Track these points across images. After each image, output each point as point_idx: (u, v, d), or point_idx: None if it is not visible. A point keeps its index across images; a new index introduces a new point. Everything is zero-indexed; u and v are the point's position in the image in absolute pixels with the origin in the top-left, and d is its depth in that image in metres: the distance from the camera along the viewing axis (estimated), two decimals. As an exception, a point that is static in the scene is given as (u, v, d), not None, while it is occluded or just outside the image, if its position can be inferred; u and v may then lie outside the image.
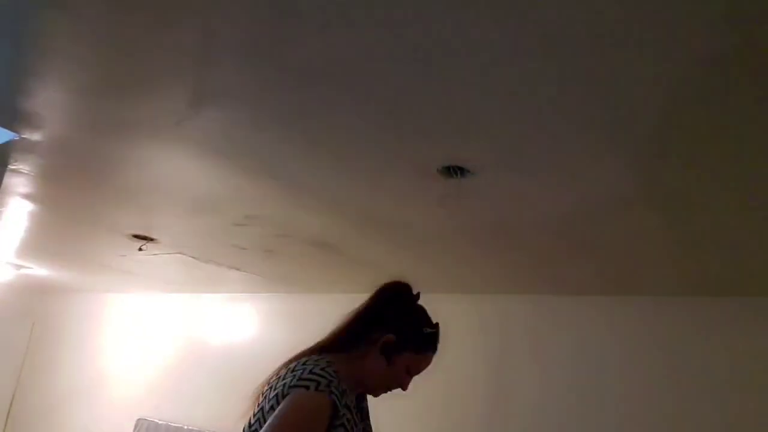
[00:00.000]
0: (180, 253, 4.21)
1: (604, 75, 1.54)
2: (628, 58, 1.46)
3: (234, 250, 3.88)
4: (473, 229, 2.85)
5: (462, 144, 2.04)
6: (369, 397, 1.78)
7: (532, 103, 1.72)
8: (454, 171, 2.20)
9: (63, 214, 3.75)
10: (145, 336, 6.25)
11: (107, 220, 3.69)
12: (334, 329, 1.72)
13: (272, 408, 1.50)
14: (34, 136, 2.47)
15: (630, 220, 2.46)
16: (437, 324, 1.74)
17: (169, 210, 3.31)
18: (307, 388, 1.49)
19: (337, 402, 1.50)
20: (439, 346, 1.74)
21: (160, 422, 5.48)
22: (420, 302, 1.80)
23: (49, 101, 2.16)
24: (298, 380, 1.51)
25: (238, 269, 4.46)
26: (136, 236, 3.92)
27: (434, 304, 1.85)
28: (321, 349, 1.67)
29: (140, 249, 4.15)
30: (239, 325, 5.49)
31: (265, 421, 1.49)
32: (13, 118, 2.33)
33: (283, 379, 1.56)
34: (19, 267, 5.84)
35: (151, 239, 3.96)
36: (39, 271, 6.01)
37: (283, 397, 1.50)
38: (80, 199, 3.36)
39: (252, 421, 1.56)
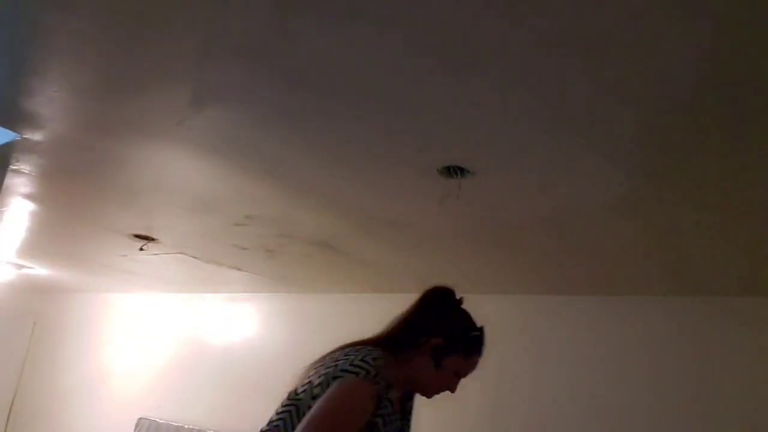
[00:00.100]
0: (181, 253, 4.22)
1: (603, 75, 1.54)
2: (628, 60, 1.46)
3: (234, 250, 3.89)
4: (473, 229, 2.85)
5: (462, 144, 2.04)
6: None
7: (532, 103, 1.72)
8: (454, 171, 2.21)
9: (64, 214, 3.75)
10: (146, 336, 6.26)
11: (108, 220, 3.69)
12: (384, 331, 1.76)
13: (320, 385, 1.56)
14: (36, 136, 2.48)
15: (630, 220, 2.47)
16: (482, 327, 1.77)
17: (169, 210, 3.32)
18: (357, 375, 1.54)
19: (382, 393, 1.56)
20: (485, 349, 1.77)
21: (161, 421, 5.49)
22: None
23: (50, 101, 2.16)
24: (350, 365, 1.56)
25: (238, 269, 4.46)
26: (137, 236, 3.92)
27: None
28: (376, 343, 1.71)
29: (141, 249, 4.15)
30: (240, 325, 5.49)
31: (311, 394, 1.55)
32: (15, 119, 2.34)
33: (337, 361, 1.60)
34: (20, 267, 5.85)
35: (152, 239, 3.96)
36: (40, 270, 6.02)
37: (334, 379, 1.55)
38: (81, 199, 3.36)
39: (299, 390, 1.61)
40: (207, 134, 2.26)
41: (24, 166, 2.85)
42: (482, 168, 2.18)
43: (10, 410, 7.32)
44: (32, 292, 7.53)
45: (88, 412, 6.41)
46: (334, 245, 3.48)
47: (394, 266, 3.73)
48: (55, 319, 7.43)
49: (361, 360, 1.56)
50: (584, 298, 3.65)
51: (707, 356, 3.21)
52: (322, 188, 2.65)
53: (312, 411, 1.50)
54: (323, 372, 1.59)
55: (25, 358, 7.50)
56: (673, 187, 2.12)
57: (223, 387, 5.22)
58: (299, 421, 1.51)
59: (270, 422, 1.59)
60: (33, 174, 2.98)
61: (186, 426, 5.27)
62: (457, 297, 1.81)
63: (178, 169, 2.70)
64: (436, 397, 1.75)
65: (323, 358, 1.68)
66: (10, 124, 2.39)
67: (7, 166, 2.85)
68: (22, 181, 3.09)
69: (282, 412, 1.59)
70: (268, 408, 1.65)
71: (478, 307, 1.81)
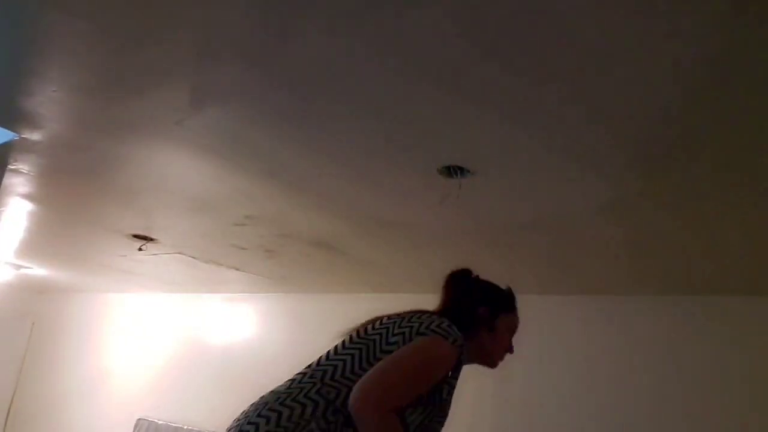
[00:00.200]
0: (180, 253, 4.21)
1: (603, 76, 1.54)
2: (628, 63, 1.46)
3: (234, 250, 3.88)
4: (473, 229, 2.85)
5: (462, 144, 2.04)
6: None
7: (532, 103, 1.72)
8: (454, 171, 2.20)
9: (63, 214, 3.75)
10: (145, 336, 6.25)
11: (107, 220, 3.69)
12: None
13: (400, 334, 1.61)
14: (34, 136, 2.47)
15: (630, 220, 2.47)
16: (508, 286, 1.94)
17: (169, 210, 3.31)
18: (446, 338, 1.62)
19: (462, 360, 1.68)
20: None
21: (159, 422, 5.48)
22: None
23: (49, 101, 2.16)
24: (437, 327, 1.64)
25: (237, 269, 4.46)
26: (136, 236, 3.92)
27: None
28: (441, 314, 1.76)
29: (140, 249, 4.15)
30: (239, 325, 5.49)
31: (387, 340, 1.61)
32: (13, 118, 2.33)
33: (413, 322, 1.65)
34: (18, 267, 5.84)
35: (151, 239, 3.96)
36: (39, 271, 6.01)
37: (418, 334, 1.61)
38: (80, 199, 3.36)
39: (369, 331, 1.66)
40: (206, 134, 2.26)
41: (23, 165, 2.85)
42: (482, 168, 2.18)
43: (8, 411, 7.32)
44: (31, 293, 7.52)
45: (86, 413, 6.40)
46: (333, 245, 3.47)
47: (394, 266, 3.73)
48: (53, 319, 7.42)
49: (448, 326, 1.65)
50: (583, 297, 3.65)
51: (703, 355, 3.22)
52: (321, 188, 2.65)
53: (398, 351, 1.57)
54: (400, 329, 1.63)
55: (23, 358, 7.49)
56: (680, 187, 2.12)
57: (222, 387, 5.21)
58: (370, 358, 1.57)
59: (328, 357, 1.62)
60: (32, 174, 2.98)
61: (185, 426, 5.27)
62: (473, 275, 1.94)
63: (177, 169, 2.70)
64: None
65: (364, 324, 1.71)
66: (9, 123, 2.39)
67: (6, 166, 2.85)
68: (20, 180, 3.08)
69: (351, 348, 1.63)
70: (268, 408, 1.63)
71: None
